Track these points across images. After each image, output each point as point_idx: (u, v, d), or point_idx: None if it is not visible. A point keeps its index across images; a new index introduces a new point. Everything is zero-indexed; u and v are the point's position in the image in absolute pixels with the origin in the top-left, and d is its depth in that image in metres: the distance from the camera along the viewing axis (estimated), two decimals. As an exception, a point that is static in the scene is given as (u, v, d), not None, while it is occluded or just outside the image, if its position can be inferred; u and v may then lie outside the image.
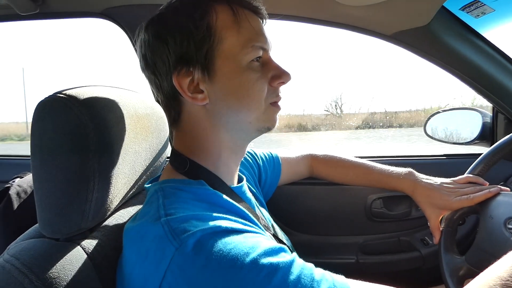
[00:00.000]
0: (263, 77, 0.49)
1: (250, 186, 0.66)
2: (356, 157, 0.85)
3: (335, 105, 13.74)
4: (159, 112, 0.63)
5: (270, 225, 0.59)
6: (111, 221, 0.52)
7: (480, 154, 0.72)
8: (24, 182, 0.81)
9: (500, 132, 1.01)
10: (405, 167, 0.75)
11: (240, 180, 0.59)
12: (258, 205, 0.62)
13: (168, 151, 0.69)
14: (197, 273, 0.35)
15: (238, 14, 0.47)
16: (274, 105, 0.52)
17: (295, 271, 0.36)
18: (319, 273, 0.37)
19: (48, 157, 0.41)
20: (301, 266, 0.37)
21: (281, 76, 0.50)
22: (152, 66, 0.48)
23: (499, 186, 0.63)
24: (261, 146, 0.89)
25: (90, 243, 0.45)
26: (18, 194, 0.77)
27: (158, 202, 0.43)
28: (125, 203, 0.57)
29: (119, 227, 0.50)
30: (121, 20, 1.01)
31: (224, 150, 0.52)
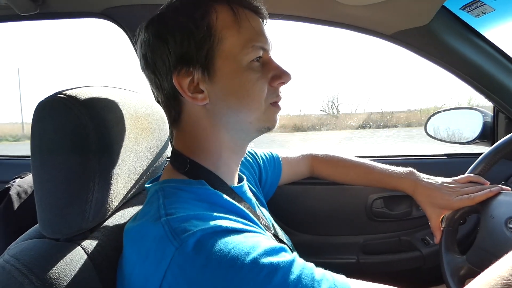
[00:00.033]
0: (263, 77, 0.49)
1: (251, 186, 0.66)
2: (357, 157, 0.85)
3: (332, 105, 13.76)
4: (160, 112, 0.63)
5: (271, 225, 0.59)
6: (111, 221, 0.52)
7: (481, 154, 0.72)
8: (24, 183, 0.81)
9: (500, 132, 1.01)
10: (406, 166, 0.75)
11: (240, 180, 0.58)
12: (258, 205, 0.62)
13: (168, 151, 0.69)
14: (197, 273, 0.35)
15: (238, 14, 0.47)
16: (274, 105, 0.52)
17: (295, 271, 0.36)
18: (320, 273, 0.37)
19: (48, 157, 0.41)
20: (302, 266, 0.37)
21: (281, 76, 0.50)
22: (152, 66, 0.48)
23: (500, 185, 0.63)
24: (261, 146, 0.89)
25: (90, 244, 0.45)
26: (18, 194, 0.77)
27: (158, 202, 0.43)
28: (125, 203, 0.57)
29: (120, 227, 0.50)
30: (121, 20, 1.00)
31: (224, 150, 0.51)
